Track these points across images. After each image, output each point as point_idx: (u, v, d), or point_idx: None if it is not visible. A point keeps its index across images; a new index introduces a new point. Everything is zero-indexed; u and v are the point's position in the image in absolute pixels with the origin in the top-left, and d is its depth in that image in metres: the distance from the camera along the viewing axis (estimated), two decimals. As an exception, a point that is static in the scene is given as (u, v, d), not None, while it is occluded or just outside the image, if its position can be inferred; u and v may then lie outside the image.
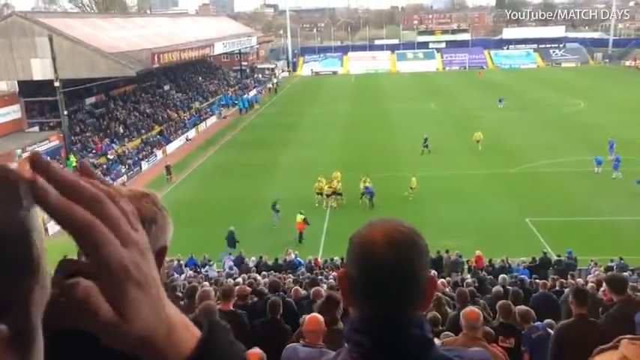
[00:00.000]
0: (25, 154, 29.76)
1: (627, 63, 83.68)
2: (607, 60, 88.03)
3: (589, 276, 15.93)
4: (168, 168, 33.17)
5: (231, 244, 21.90)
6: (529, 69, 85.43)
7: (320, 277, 14.58)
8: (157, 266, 0.65)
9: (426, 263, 1.29)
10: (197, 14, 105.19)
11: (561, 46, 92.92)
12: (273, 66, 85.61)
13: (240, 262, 19.51)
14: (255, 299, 9.02)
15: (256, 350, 4.46)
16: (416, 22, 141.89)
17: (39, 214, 0.52)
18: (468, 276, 16.72)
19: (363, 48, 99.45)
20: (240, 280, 13.61)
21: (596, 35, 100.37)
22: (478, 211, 25.31)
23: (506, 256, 19.27)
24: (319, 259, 20.08)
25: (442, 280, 13.69)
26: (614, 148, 31.82)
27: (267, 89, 70.82)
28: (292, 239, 23.13)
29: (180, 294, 10.53)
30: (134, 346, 0.60)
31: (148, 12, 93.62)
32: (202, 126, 49.22)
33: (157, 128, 43.67)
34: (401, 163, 33.69)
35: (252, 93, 66.56)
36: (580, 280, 13.96)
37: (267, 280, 13.01)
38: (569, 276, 15.47)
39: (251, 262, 19.61)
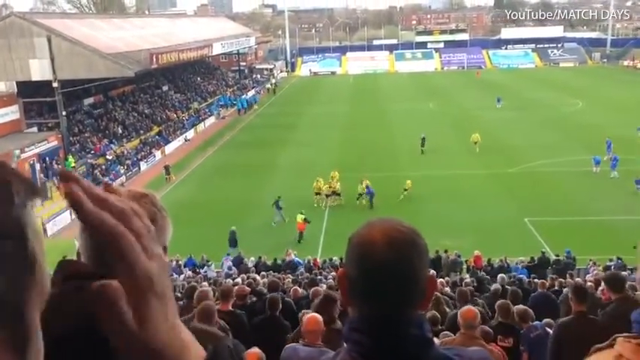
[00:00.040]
0: (24, 155, 29.78)
1: (625, 63, 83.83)
2: (605, 60, 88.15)
3: (587, 275, 15.95)
4: (167, 168, 33.17)
5: (233, 244, 21.90)
6: (527, 69, 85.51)
7: (319, 277, 14.58)
8: None
9: (425, 263, 1.29)
10: (195, 15, 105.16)
11: (559, 45, 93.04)
12: (272, 66, 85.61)
13: (239, 263, 19.53)
14: (254, 299, 9.02)
15: (255, 350, 4.46)
16: (414, 22, 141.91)
17: (37, 214, 0.57)
18: (467, 276, 16.75)
19: (361, 48, 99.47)
20: (239, 280, 13.60)
21: (594, 35, 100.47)
22: (477, 210, 25.33)
23: (505, 255, 19.30)
24: (318, 259, 20.08)
25: (441, 279, 13.70)
26: (612, 148, 31.86)
27: (266, 90, 70.79)
28: (292, 239, 23.13)
29: (179, 294, 10.52)
30: (145, 357, 0.60)
31: (147, 12, 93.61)
32: (201, 126, 49.21)
33: (156, 129, 43.64)
34: (399, 163, 33.70)
35: (251, 93, 66.56)
36: (579, 280, 13.97)
37: (266, 280, 13.01)
38: (567, 275, 15.47)
39: (250, 262, 19.62)
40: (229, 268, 18.66)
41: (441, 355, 1.28)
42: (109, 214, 0.59)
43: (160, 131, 43.56)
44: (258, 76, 79.86)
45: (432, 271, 13.25)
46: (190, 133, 46.12)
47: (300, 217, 23.34)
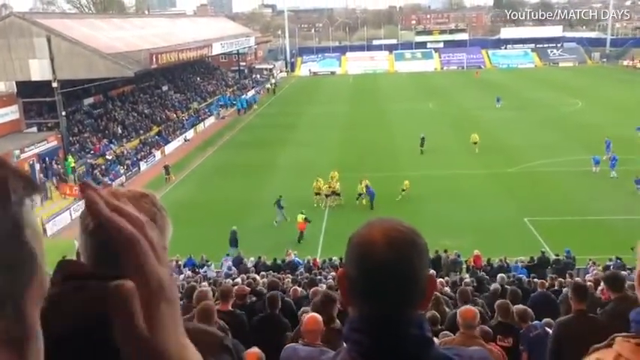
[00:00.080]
0: (24, 155, 29.77)
1: (625, 62, 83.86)
2: (604, 59, 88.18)
3: (587, 275, 15.94)
4: (166, 168, 33.17)
5: (234, 244, 21.90)
6: (527, 69, 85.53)
7: (319, 277, 14.58)
8: None
9: (425, 263, 1.29)
10: (195, 15, 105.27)
11: (559, 45, 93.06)
12: (272, 66, 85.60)
13: (238, 263, 19.53)
14: (254, 299, 9.02)
15: (255, 350, 4.46)
16: (414, 22, 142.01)
17: (36, 214, 0.57)
18: (467, 275, 16.75)
19: (361, 48, 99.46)
20: (239, 280, 13.60)
21: (593, 35, 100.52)
22: (476, 210, 25.34)
23: (505, 255, 19.31)
24: (318, 260, 20.08)
25: (440, 279, 13.70)
26: (611, 148, 31.87)
27: (266, 89, 70.79)
28: (291, 239, 23.11)
29: (179, 294, 10.53)
30: (149, 357, 0.61)
31: (146, 12, 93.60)
32: (201, 126, 49.20)
33: (156, 129, 43.64)
34: (399, 163, 33.71)
35: (251, 93, 66.55)
36: (578, 279, 13.97)
37: (265, 280, 13.01)
38: (567, 275, 15.48)
39: (250, 262, 19.62)
40: (229, 268, 18.66)
41: (441, 354, 1.29)
42: (127, 222, 0.62)
43: (160, 131, 43.56)
44: (258, 76, 79.86)
45: (432, 271, 13.26)
46: (190, 133, 46.11)
47: (300, 217, 23.35)
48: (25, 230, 0.54)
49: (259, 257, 19.92)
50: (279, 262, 19.46)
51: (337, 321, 5.24)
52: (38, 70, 33.58)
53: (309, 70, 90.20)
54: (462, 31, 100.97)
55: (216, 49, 56.48)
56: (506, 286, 11.16)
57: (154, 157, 38.87)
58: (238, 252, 20.96)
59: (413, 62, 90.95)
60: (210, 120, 52.27)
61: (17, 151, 29.27)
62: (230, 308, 6.98)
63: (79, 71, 34.27)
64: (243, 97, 61.43)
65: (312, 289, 9.75)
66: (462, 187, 28.68)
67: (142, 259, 0.61)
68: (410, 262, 1.25)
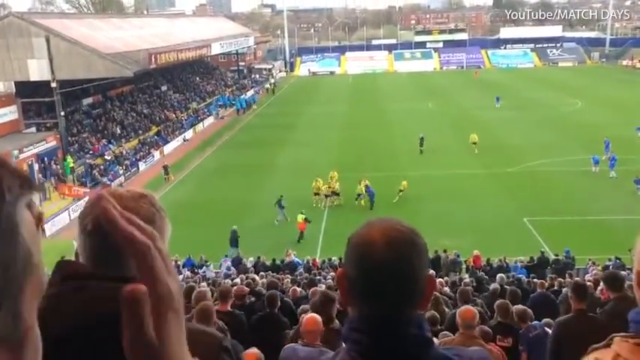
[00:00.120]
0: (23, 155, 29.75)
1: (624, 62, 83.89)
2: (604, 59, 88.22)
3: (587, 275, 15.95)
4: (165, 168, 33.16)
5: (234, 244, 21.88)
6: (526, 68, 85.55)
7: (318, 277, 14.58)
8: None
9: (424, 263, 1.29)
10: (194, 14, 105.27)
11: (558, 45, 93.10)
12: (271, 66, 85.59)
13: (238, 263, 19.52)
14: (253, 299, 9.02)
15: (254, 350, 4.45)
16: (413, 21, 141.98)
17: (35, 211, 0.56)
18: (466, 275, 16.75)
19: (360, 48, 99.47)
20: (238, 280, 13.60)
21: (593, 35, 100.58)
22: (476, 210, 25.34)
23: (504, 255, 19.31)
24: (317, 260, 20.08)
25: (440, 279, 13.71)
26: (610, 148, 31.88)
27: (265, 89, 70.77)
28: (291, 239, 23.09)
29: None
30: None
31: (145, 12, 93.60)
32: (200, 126, 49.19)
33: (155, 129, 43.62)
34: (398, 163, 33.71)
35: (250, 93, 66.54)
36: (578, 279, 13.97)
37: (265, 280, 13.00)
38: (567, 275, 15.48)
39: (249, 262, 19.61)
40: (228, 269, 18.65)
41: (441, 355, 1.28)
42: (139, 232, 0.63)
43: (159, 131, 43.54)
44: (257, 76, 79.85)
45: (432, 271, 13.26)
46: (189, 133, 46.09)
47: (300, 217, 23.35)
48: (21, 230, 0.53)
49: (258, 257, 19.91)
50: (278, 262, 19.45)
51: (336, 321, 5.23)
52: (37, 70, 33.56)
53: (309, 70, 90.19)
54: (462, 30, 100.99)
55: (216, 49, 56.47)
56: (505, 286, 11.17)
57: (153, 157, 38.86)
58: (238, 252, 20.95)
59: (412, 62, 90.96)
60: (210, 120, 52.26)
61: (16, 152, 29.25)
62: (229, 308, 6.97)
63: (78, 71, 34.25)
64: (242, 97, 61.41)
65: (311, 290, 9.75)
66: (462, 187, 28.68)
67: (153, 269, 0.62)
68: (409, 262, 1.24)
